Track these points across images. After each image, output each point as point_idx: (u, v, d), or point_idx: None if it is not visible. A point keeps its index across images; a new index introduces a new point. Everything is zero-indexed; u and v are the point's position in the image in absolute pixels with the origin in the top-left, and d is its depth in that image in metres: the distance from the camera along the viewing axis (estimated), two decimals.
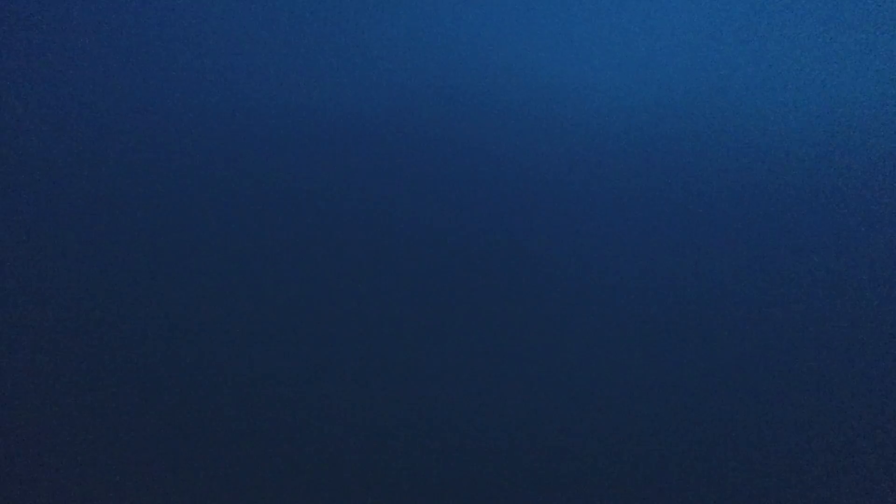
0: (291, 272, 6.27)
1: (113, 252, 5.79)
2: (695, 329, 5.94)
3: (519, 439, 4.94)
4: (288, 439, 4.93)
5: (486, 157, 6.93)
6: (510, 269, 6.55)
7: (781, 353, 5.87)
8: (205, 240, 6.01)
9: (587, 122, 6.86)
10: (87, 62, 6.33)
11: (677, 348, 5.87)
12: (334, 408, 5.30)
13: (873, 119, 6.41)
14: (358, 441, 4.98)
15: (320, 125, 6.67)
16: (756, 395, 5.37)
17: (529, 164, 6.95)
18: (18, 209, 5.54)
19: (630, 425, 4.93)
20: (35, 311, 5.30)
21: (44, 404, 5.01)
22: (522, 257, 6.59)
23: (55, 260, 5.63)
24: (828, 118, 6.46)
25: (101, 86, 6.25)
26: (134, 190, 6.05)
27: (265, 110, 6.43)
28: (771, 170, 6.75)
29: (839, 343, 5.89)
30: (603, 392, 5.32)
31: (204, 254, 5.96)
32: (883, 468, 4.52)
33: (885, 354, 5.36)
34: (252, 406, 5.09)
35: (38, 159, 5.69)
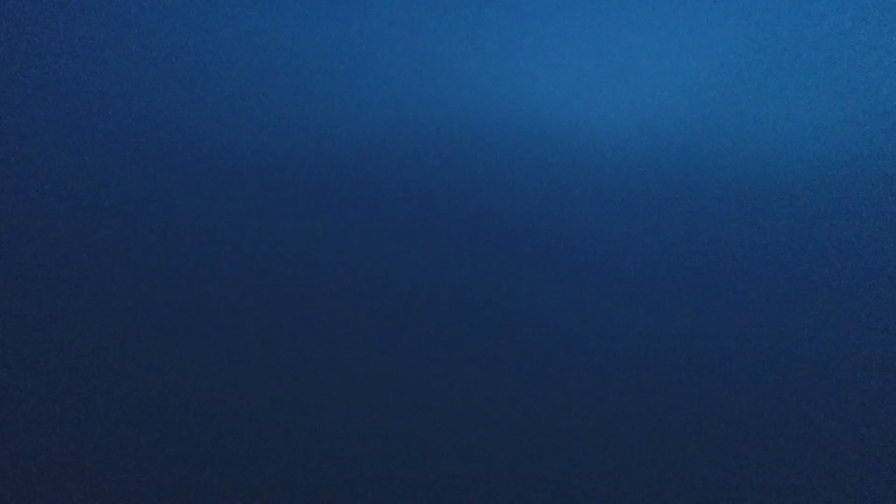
0: (291, 283, 6.27)
1: (113, 259, 5.76)
2: (696, 367, 5.94)
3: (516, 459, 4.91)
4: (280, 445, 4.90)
5: (493, 191, 6.98)
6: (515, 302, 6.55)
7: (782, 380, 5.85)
8: (203, 264, 6.01)
9: (591, 159, 6.89)
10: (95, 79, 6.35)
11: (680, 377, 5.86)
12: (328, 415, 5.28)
13: (870, 155, 6.46)
14: (354, 443, 4.96)
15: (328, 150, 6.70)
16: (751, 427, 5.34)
17: (534, 202, 6.99)
18: (18, 209, 5.53)
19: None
20: (35, 311, 5.28)
21: (44, 404, 5.00)
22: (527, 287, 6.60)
23: (53, 261, 5.60)
24: (826, 164, 6.52)
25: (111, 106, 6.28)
26: (139, 199, 6.04)
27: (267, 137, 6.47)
28: (769, 209, 6.80)
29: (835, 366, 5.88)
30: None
31: (200, 274, 5.96)
32: (883, 468, 4.50)
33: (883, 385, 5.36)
34: (246, 413, 5.07)
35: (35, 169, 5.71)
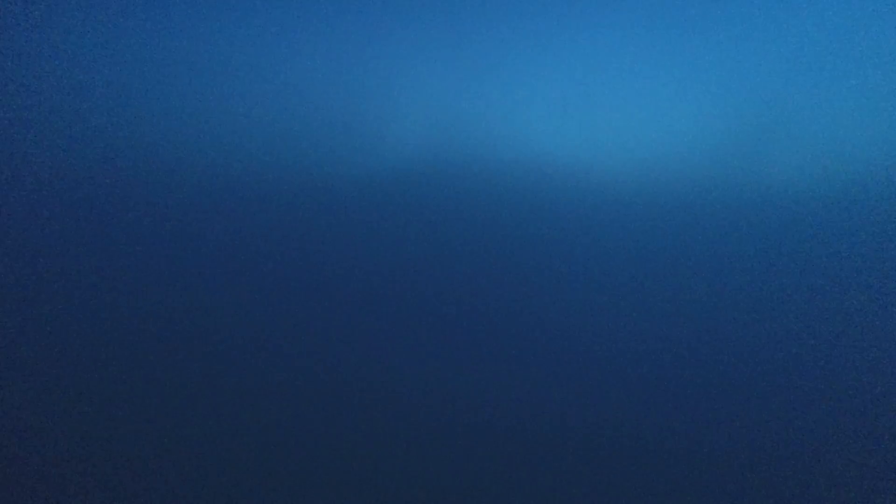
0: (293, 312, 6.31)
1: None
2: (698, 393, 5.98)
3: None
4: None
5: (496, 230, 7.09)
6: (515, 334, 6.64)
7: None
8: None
9: (592, 193, 7.00)
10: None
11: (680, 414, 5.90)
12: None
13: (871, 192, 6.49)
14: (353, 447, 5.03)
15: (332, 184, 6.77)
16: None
17: (536, 233, 7.10)
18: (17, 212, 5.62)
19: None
20: (35, 312, 5.35)
21: (44, 404, 5.08)
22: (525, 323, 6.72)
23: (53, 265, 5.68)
24: (827, 194, 6.55)
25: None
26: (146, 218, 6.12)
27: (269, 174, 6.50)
28: (766, 241, 6.91)
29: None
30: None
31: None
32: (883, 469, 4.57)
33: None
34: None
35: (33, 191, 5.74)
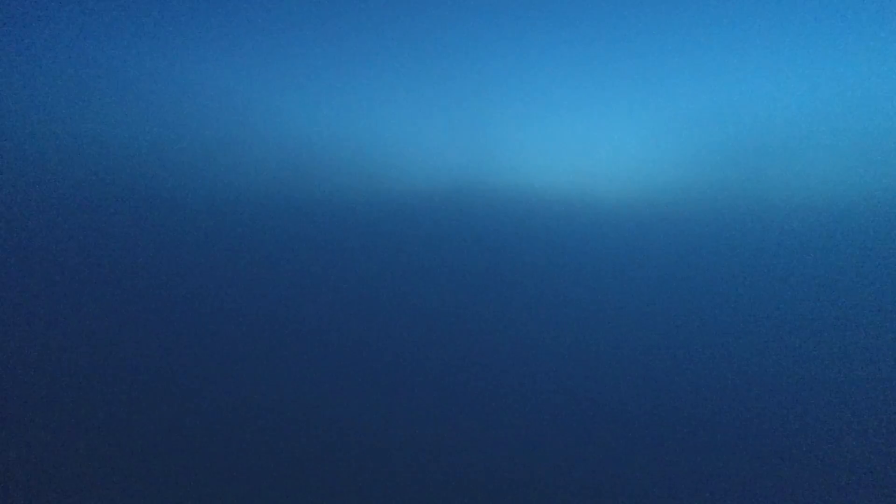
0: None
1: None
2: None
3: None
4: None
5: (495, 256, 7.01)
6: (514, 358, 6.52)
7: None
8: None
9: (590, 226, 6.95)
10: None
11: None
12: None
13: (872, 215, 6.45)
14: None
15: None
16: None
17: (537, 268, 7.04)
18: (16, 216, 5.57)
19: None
20: (35, 315, 5.30)
21: (44, 404, 5.00)
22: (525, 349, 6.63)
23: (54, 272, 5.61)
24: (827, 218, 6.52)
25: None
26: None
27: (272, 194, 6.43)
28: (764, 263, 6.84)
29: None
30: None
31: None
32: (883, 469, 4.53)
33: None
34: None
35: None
